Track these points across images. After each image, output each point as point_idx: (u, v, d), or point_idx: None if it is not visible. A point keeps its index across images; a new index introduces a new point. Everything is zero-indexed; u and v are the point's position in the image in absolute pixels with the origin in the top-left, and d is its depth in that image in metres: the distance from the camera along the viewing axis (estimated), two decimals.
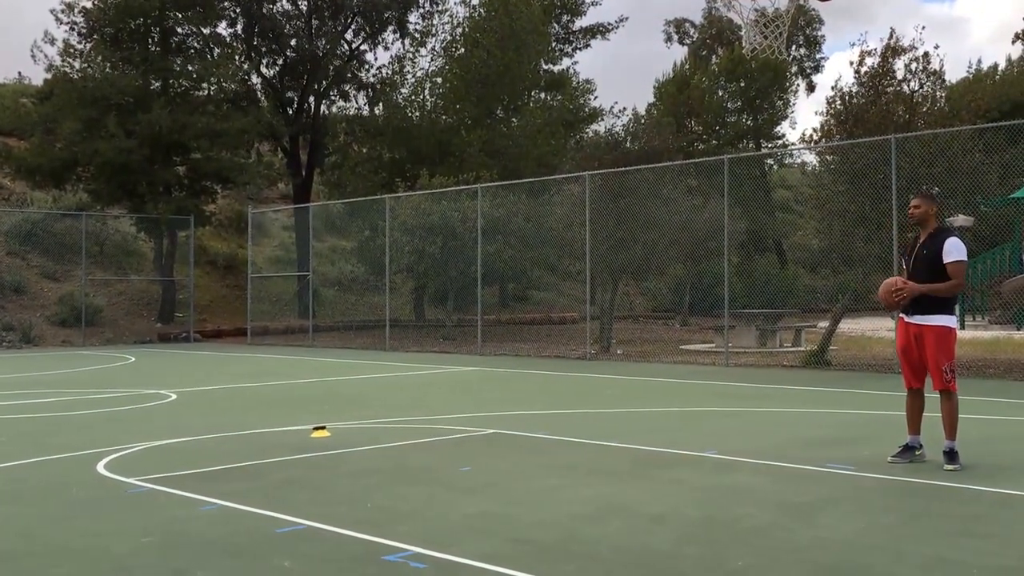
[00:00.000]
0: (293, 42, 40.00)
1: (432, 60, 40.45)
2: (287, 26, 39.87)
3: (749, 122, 57.45)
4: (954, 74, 65.56)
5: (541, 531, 6.76)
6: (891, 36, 22.63)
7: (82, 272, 34.10)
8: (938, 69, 22.88)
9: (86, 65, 34.40)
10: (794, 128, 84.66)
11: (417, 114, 38.78)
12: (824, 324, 23.65)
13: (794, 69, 61.86)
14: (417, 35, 40.94)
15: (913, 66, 22.37)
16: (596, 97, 50.48)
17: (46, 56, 35.09)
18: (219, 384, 18.54)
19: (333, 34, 40.05)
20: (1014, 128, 21.52)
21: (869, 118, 21.41)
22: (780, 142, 58.54)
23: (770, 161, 57.93)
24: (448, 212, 30.46)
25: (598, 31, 53.14)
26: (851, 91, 22.51)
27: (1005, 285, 30.16)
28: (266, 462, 9.58)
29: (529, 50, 39.30)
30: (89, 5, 34.54)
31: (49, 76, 35.31)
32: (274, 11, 39.60)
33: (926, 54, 22.61)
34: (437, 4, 41.23)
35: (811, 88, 65.50)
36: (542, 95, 45.62)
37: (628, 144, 36.07)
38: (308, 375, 20.56)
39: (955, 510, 7.34)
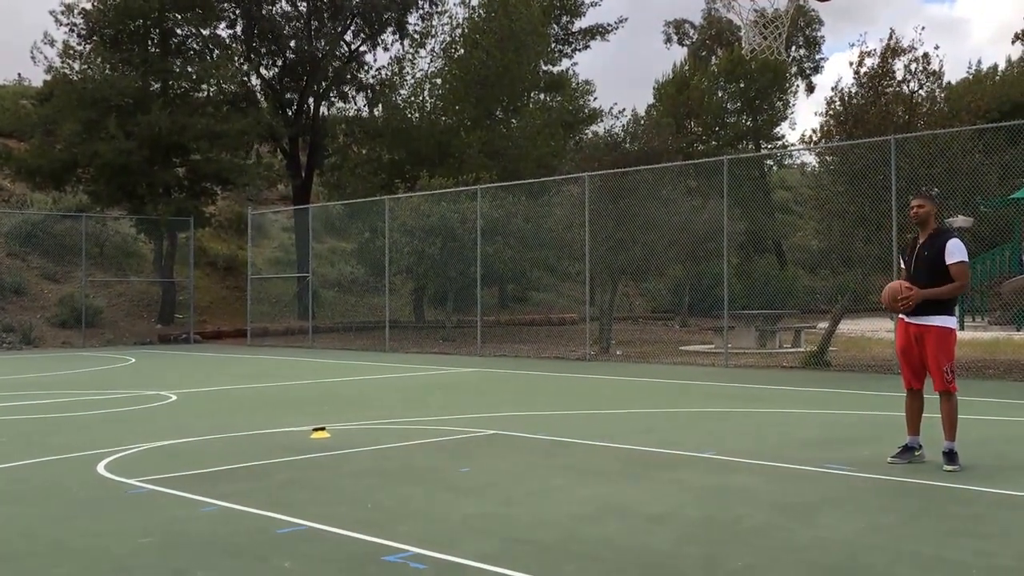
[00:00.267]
0: (292, 43, 40.03)
1: (431, 61, 40.54)
2: (286, 27, 39.90)
3: (749, 123, 57.51)
4: (954, 75, 65.73)
5: (541, 531, 6.76)
6: (891, 37, 22.64)
7: (82, 273, 34.10)
8: (938, 70, 22.89)
9: (86, 66, 34.41)
10: (794, 129, 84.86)
11: (416, 115, 38.80)
12: (823, 325, 23.67)
13: (794, 70, 61.84)
14: (416, 36, 40.98)
15: (913, 67, 22.37)
16: (595, 98, 50.59)
17: (46, 57, 35.12)
18: (219, 385, 18.54)
19: (332, 35, 40.07)
20: (1014, 129, 21.52)
21: (869, 119, 21.41)
22: (780, 143, 58.61)
23: (770, 162, 58.00)
24: (447, 213, 30.46)
25: (597, 32, 53.18)
26: (850, 92, 22.52)
27: (1005, 286, 30.18)
28: (266, 463, 9.59)
29: (528, 51, 39.33)
30: (89, 7, 34.57)
31: (49, 78, 35.31)
32: (273, 12, 39.62)
33: (926, 55, 22.62)
34: (436, 5, 41.27)
35: (811, 89, 65.49)
36: (541, 96, 45.66)
37: (627, 145, 36.08)
38: (308, 376, 20.56)
39: (954, 510, 7.35)
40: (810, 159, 39.48)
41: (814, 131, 23.54)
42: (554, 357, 25.51)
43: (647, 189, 27.24)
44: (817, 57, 65.74)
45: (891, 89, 22.24)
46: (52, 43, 34.92)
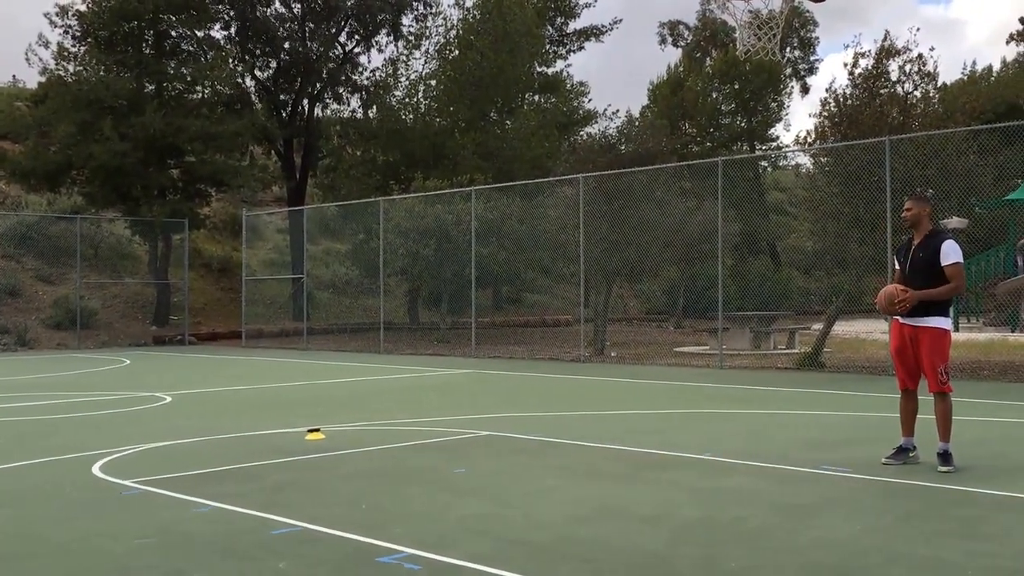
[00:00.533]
0: (287, 45, 40.01)
1: (426, 63, 40.48)
2: (280, 29, 39.88)
3: (743, 124, 57.52)
4: (949, 76, 65.78)
5: (536, 532, 6.77)
6: (885, 38, 22.67)
7: (77, 275, 34.05)
8: (932, 71, 22.92)
9: (80, 68, 34.39)
10: (788, 130, 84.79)
11: (411, 117, 38.78)
12: (818, 326, 23.68)
13: (788, 71, 61.91)
14: (411, 38, 40.94)
15: (907, 68, 22.41)
16: (590, 99, 50.50)
17: (40, 59, 35.05)
18: (214, 387, 18.53)
19: (326, 37, 40.06)
20: (1009, 130, 21.53)
21: (863, 120, 21.43)
22: (774, 144, 58.61)
23: (764, 163, 57.98)
24: (442, 215, 30.47)
25: (592, 33, 53.20)
26: (845, 93, 22.54)
27: (1000, 287, 30.20)
28: (261, 464, 9.59)
29: (523, 52, 39.34)
30: (83, 8, 34.53)
31: (43, 79, 35.26)
32: (267, 14, 39.61)
33: (920, 56, 22.66)
34: (431, 6, 41.27)
35: (805, 90, 65.62)
36: (536, 97, 45.64)
37: (622, 146, 36.11)
38: (302, 377, 20.55)
39: (949, 512, 7.36)
40: (805, 160, 39.50)
41: (809, 132, 23.57)
42: (549, 359, 25.50)
43: (641, 190, 27.25)
44: (812, 58, 65.91)
45: (886, 90, 22.27)
46: (47, 45, 34.88)
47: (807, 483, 8.44)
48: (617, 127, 42.48)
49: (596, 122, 46.77)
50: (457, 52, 39.17)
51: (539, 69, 46.18)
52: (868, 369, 19.89)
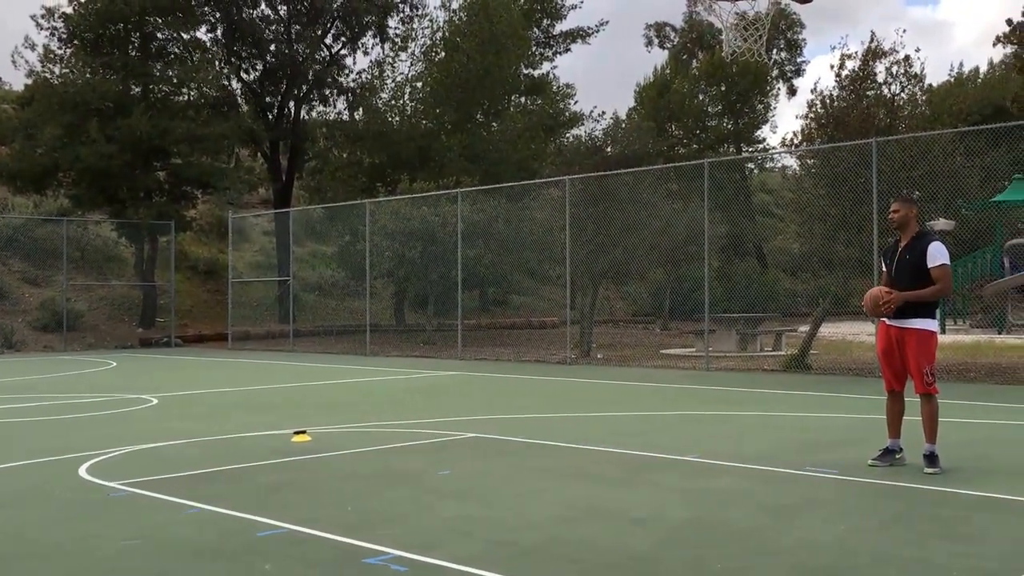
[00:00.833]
0: (273, 47, 39.92)
1: (412, 65, 40.45)
2: (266, 31, 39.81)
3: (730, 126, 57.56)
4: (937, 77, 65.91)
5: (522, 534, 6.77)
6: (871, 39, 22.75)
7: (63, 277, 33.96)
8: (919, 72, 23.01)
9: (67, 70, 34.34)
10: (775, 132, 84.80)
11: (397, 119, 38.74)
12: (805, 328, 23.70)
13: (775, 73, 61.98)
14: (397, 40, 40.92)
15: (894, 69, 22.49)
16: (576, 101, 50.48)
17: (27, 62, 34.98)
18: (200, 389, 18.49)
19: (313, 39, 40.01)
20: (995, 131, 21.62)
21: (850, 121, 21.50)
22: (761, 146, 58.66)
23: (751, 165, 58.03)
24: (428, 217, 30.43)
25: (578, 35, 53.08)
26: (832, 95, 22.61)
27: (986, 289, 30.26)
28: (247, 466, 9.57)
29: (509, 54, 39.29)
30: (69, 11, 34.46)
31: (30, 82, 35.23)
32: (254, 16, 39.54)
33: (907, 57, 22.75)
34: (417, 8, 41.24)
35: (792, 92, 65.69)
36: (522, 99, 45.56)
37: (608, 148, 36.11)
38: (289, 379, 20.52)
39: (936, 513, 7.37)
40: (791, 162, 39.56)
41: (795, 134, 23.64)
42: (535, 360, 25.50)
43: (628, 192, 27.27)
44: (799, 60, 65.97)
45: (872, 92, 22.34)
46: (33, 47, 34.82)
47: (794, 484, 8.45)
48: (603, 129, 42.48)
49: (582, 124, 46.71)
50: (443, 54, 39.15)
51: (525, 71, 46.09)
52: (855, 371, 19.92)
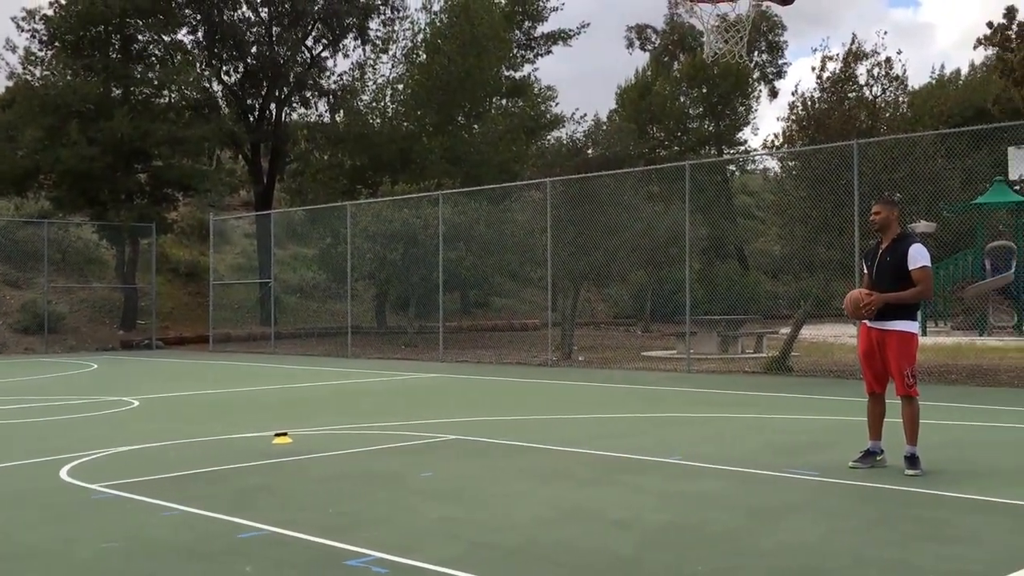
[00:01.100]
0: (254, 49, 39.86)
1: (393, 67, 40.48)
2: (248, 33, 39.74)
3: (711, 128, 57.65)
4: (919, 80, 66.03)
5: (503, 536, 6.76)
6: (852, 41, 22.81)
7: (44, 279, 33.87)
8: (900, 74, 23.08)
9: (47, 73, 34.27)
10: (756, 134, 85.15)
11: (378, 121, 38.75)
12: (786, 330, 23.73)
13: (756, 75, 62.05)
14: (378, 42, 40.92)
15: (875, 71, 22.55)
16: (557, 103, 50.50)
17: (7, 64, 35.13)
18: (181, 391, 18.44)
19: (294, 41, 39.95)
20: (976, 134, 21.69)
21: (831, 123, 21.55)
22: (742, 148, 58.76)
23: (732, 167, 58.17)
24: (410, 219, 30.38)
25: (560, 37, 53.11)
26: (813, 96, 22.66)
27: (967, 291, 30.34)
28: (228, 468, 9.55)
29: (490, 56, 39.32)
30: (50, 13, 34.38)
31: (10, 84, 35.22)
32: (235, 18, 39.46)
33: (888, 59, 22.82)
34: (398, 11, 41.22)
35: (774, 94, 65.72)
36: (503, 101, 45.61)
37: (590, 150, 36.16)
38: (270, 382, 20.49)
39: (916, 515, 7.38)
40: (773, 164, 39.67)
41: (776, 136, 23.69)
42: (516, 363, 25.49)
43: (609, 194, 27.29)
44: (780, 62, 66.01)
45: (854, 94, 22.40)
46: (14, 49, 34.79)
47: (775, 487, 8.46)
48: (585, 131, 42.54)
49: (564, 126, 46.79)
50: (424, 56, 39.19)
51: (507, 73, 46.13)
52: (835, 373, 19.95)
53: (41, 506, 7.95)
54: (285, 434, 11.31)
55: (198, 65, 38.07)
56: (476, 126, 40.33)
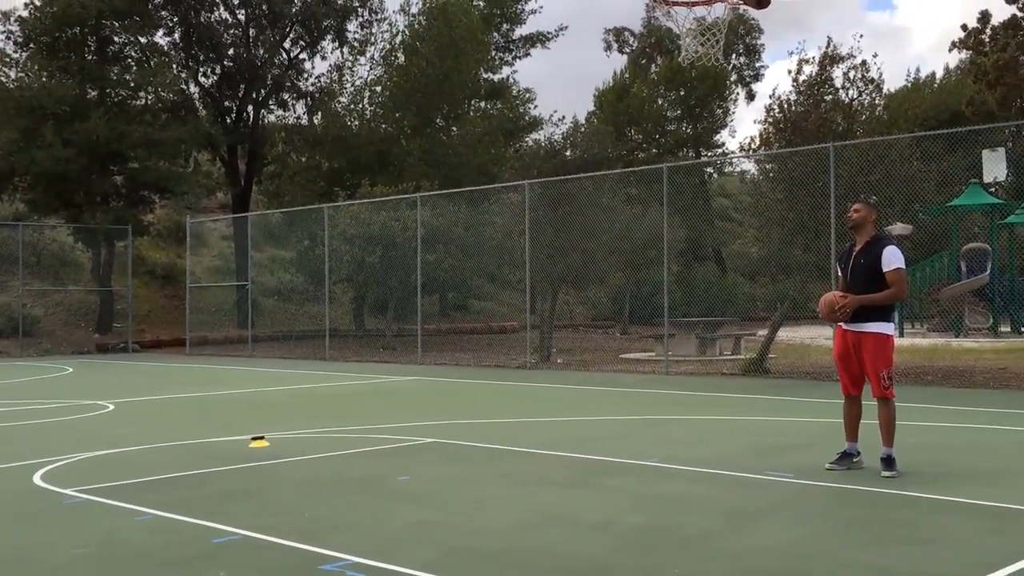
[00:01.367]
0: (231, 51, 39.78)
1: (371, 69, 40.44)
2: (225, 35, 39.66)
3: (689, 130, 57.81)
4: (896, 83, 66.31)
5: (480, 540, 6.74)
6: (828, 44, 22.86)
7: (19, 282, 33.72)
8: (876, 77, 23.14)
9: (22, 74, 34.14)
10: (734, 137, 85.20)
11: (356, 123, 38.70)
12: (763, 332, 23.78)
13: (733, 77, 62.21)
14: (356, 44, 40.88)
15: (851, 74, 22.61)
16: (536, 106, 50.54)
17: None
18: (157, 394, 18.37)
19: (271, 43, 39.89)
20: (951, 136, 21.76)
21: (807, 126, 21.60)
22: (720, 150, 58.92)
23: (710, 169, 58.31)
24: (388, 221, 30.34)
25: (538, 40, 53.16)
26: (790, 99, 22.71)
27: (943, 293, 30.48)
28: (204, 472, 9.51)
29: (469, 59, 39.32)
30: (25, 14, 34.23)
31: None
32: (212, 20, 39.39)
33: (864, 62, 22.88)
34: (376, 13, 41.18)
35: (751, 96, 65.89)
36: (482, 104, 45.62)
37: (568, 153, 36.17)
38: (247, 385, 20.43)
39: (892, 516, 7.39)
40: (750, 167, 39.75)
41: (753, 139, 23.73)
42: (495, 365, 25.48)
43: (587, 197, 27.30)
44: (757, 65, 66.17)
45: (830, 96, 22.45)
46: None
47: (751, 489, 8.45)
48: (563, 133, 42.57)
49: (542, 128, 46.83)
50: (403, 58, 39.15)
51: (485, 75, 46.17)
52: (812, 375, 19.99)
53: (13, 511, 7.90)
54: (262, 438, 11.26)
55: (175, 67, 37.95)
56: (454, 128, 40.31)
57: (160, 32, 38.55)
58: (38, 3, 34.02)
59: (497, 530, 7.01)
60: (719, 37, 15.18)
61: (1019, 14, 24.08)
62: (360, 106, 39.39)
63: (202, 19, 38.88)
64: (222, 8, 39.67)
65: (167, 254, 42.36)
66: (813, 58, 22.81)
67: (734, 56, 62.73)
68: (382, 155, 37.16)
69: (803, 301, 25.41)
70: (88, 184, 33.76)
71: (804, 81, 22.43)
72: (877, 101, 23.49)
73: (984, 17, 26.43)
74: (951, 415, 13.70)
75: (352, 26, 41.22)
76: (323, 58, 42.20)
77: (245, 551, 6.51)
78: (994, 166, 26.60)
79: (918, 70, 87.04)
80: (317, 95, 40.67)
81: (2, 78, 34.08)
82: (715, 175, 61.58)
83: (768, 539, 6.68)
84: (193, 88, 39.93)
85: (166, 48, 38.90)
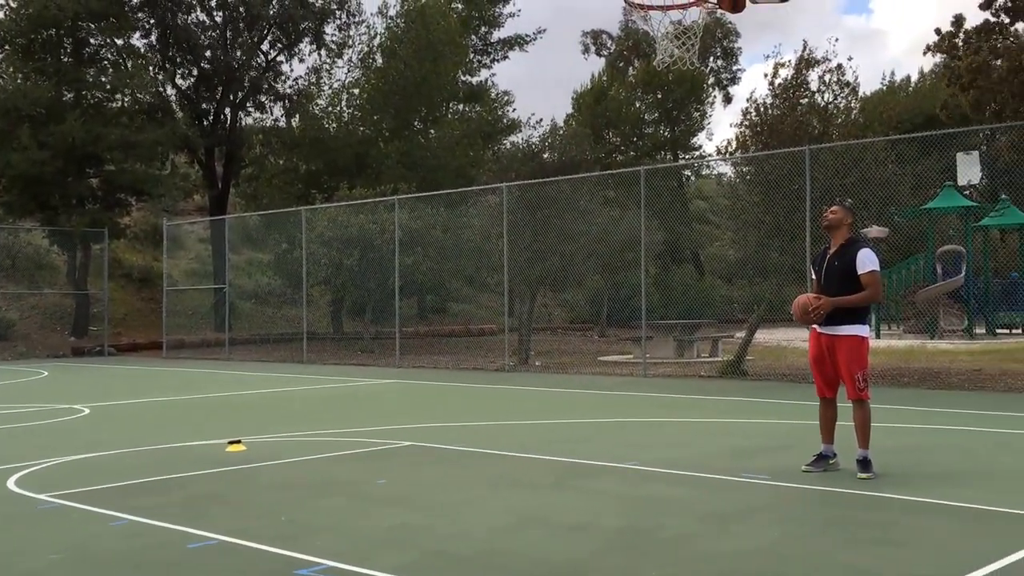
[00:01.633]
0: (208, 53, 39.66)
1: (349, 71, 40.43)
2: (202, 37, 39.54)
3: (666, 133, 57.89)
4: (872, 86, 66.53)
5: (458, 543, 6.73)
6: (804, 48, 22.91)
7: None
8: (852, 81, 23.20)
9: None
10: (711, 139, 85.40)
11: (334, 126, 38.68)
12: (741, 334, 23.82)
13: (711, 81, 62.33)
14: (334, 46, 40.84)
15: (827, 78, 22.66)
16: (514, 109, 50.52)
17: None
18: (133, 398, 18.31)
19: (249, 45, 39.80)
20: (926, 140, 21.84)
21: (784, 129, 21.63)
22: (697, 153, 59.01)
23: (687, 172, 58.42)
24: (365, 224, 30.30)
25: (516, 43, 53.20)
26: (766, 103, 22.75)
27: (919, 295, 30.62)
28: (180, 476, 9.47)
29: (447, 61, 39.33)
30: (0, 16, 34.07)
31: None
32: (189, 22, 39.28)
33: (839, 66, 22.94)
34: (354, 15, 41.15)
35: (728, 100, 66.02)
36: (460, 107, 45.63)
37: (546, 155, 36.18)
38: (224, 388, 20.38)
39: (869, 518, 7.40)
40: (727, 169, 39.82)
41: (730, 142, 23.77)
42: (473, 368, 25.46)
43: (565, 199, 27.31)
44: (734, 68, 66.26)
45: (805, 100, 22.50)
46: None
47: (729, 491, 8.47)
48: (541, 136, 42.58)
49: (520, 131, 46.83)
50: (380, 61, 39.13)
51: (463, 78, 46.17)
52: (789, 377, 20.04)
53: None
54: (239, 441, 11.22)
55: (151, 69, 37.83)
56: (432, 131, 40.31)
57: (137, 34, 38.44)
58: (13, 4, 33.87)
59: (475, 533, 7.01)
60: (694, 41, 15.18)
61: (992, 19, 24.22)
62: (338, 108, 39.38)
63: (179, 21, 38.76)
64: (199, 10, 39.57)
65: (144, 257, 42.20)
66: (789, 62, 22.82)
67: (711, 59, 62.84)
68: (360, 157, 37.14)
69: (779, 303, 25.49)
70: (64, 186, 33.62)
71: (780, 85, 22.45)
72: (853, 104, 23.53)
73: (958, 21, 26.58)
74: (927, 417, 13.75)
75: (330, 28, 41.19)
76: (301, 60, 42.23)
77: (221, 556, 6.49)
78: (968, 169, 26.77)
79: (893, 73, 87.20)
80: (295, 97, 40.61)
81: None
82: (692, 178, 61.71)
83: (745, 541, 6.69)
84: (170, 90, 39.83)
85: (143, 50, 38.77)
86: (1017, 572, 5.92)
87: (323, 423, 13.81)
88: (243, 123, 41.36)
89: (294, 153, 38.75)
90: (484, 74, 51.05)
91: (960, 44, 25.34)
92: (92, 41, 36.07)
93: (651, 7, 15.61)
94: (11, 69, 33.99)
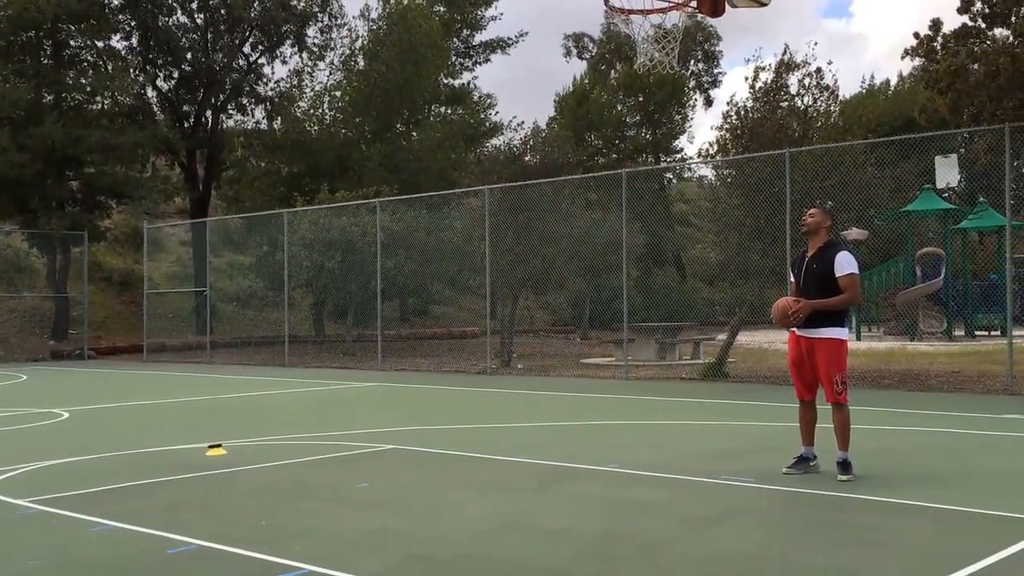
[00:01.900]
0: (189, 55, 39.62)
1: (331, 74, 40.39)
2: (183, 39, 39.48)
3: (648, 136, 57.96)
4: (852, 89, 66.72)
5: (438, 547, 6.72)
6: (784, 51, 22.97)
7: None
8: (831, 84, 23.27)
9: None
10: (692, 142, 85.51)
11: (316, 128, 38.63)
12: (722, 337, 23.86)
13: (692, 84, 62.44)
14: (316, 49, 40.81)
15: (807, 81, 22.72)
16: (496, 111, 50.56)
17: None
18: (113, 402, 18.25)
19: (230, 48, 39.75)
20: (905, 143, 21.90)
21: (764, 132, 21.68)
22: (678, 156, 59.10)
23: (669, 175, 58.46)
24: (347, 227, 30.26)
25: (498, 45, 53.24)
26: (746, 106, 22.80)
27: (899, 297, 30.73)
28: (160, 481, 9.44)
29: (429, 64, 39.35)
30: None
31: None
32: (170, 24, 39.21)
33: (819, 69, 23.01)
34: (336, 18, 41.13)
35: (709, 103, 66.12)
36: (442, 109, 45.66)
37: (528, 158, 36.18)
38: (205, 392, 20.33)
39: (850, 520, 7.41)
40: (708, 172, 39.87)
41: (711, 145, 23.82)
42: (455, 371, 25.46)
43: (547, 202, 27.33)
44: (716, 71, 66.39)
45: (786, 103, 22.56)
46: None
47: (710, 494, 8.47)
48: (523, 138, 42.57)
49: (502, 134, 46.85)
50: (362, 63, 39.10)
51: (445, 81, 46.20)
52: (770, 379, 20.08)
53: None
54: (219, 445, 11.20)
55: (132, 71, 37.74)
56: (414, 133, 40.33)
57: (117, 36, 38.38)
58: None
59: (456, 537, 6.99)
60: (674, 45, 15.21)
61: (970, 23, 24.29)
62: (320, 111, 39.34)
63: (160, 23, 38.71)
64: (180, 12, 39.51)
65: (124, 260, 42.09)
66: (769, 65, 22.89)
67: (692, 62, 62.94)
68: (342, 160, 37.12)
69: (760, 306, 25.54)
70: (43, 189, 33.51)
71: (760, 88, 22.51)
72: (832, 108, 23.61)
73: (936, 25, 26.64)
74: (907, 418, 13.79)
75: (312, 31, 41.24)
76: (283, 63, 42.01)
77: (201, 561, 6.47)
78: (947, 172, 26.80)
79: (873, 77, 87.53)
80: (276, 100, 40.58)
81: None
82: (674, 180, 61.77)
83: (727, 544, 6.70)
84: (151, 92, 39.78)
85: (123, 52, 38.71)
86: (997, 573, 5.93)
87: (304, 427, 13.79)
88: (224, 125, 41.35)
89: (276, 156, 38.72)
90: (466, 77, 51.15)
91: (938, 48, 25.37)
92: (72, 43, 36.00)
93: (631, 11, 15.62)
94: None
